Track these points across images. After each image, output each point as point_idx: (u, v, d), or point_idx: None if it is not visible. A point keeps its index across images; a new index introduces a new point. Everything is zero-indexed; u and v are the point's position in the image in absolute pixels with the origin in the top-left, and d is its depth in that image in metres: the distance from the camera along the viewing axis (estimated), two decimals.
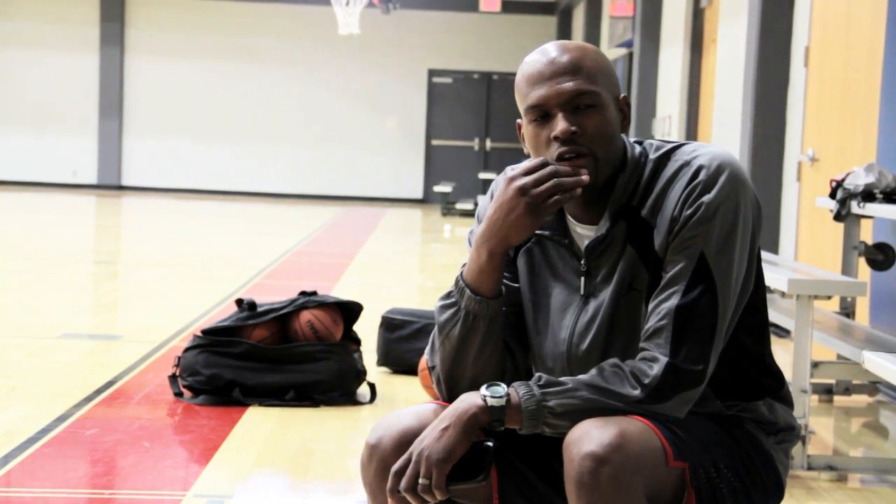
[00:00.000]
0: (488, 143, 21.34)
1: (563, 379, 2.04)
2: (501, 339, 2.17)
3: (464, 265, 2.16)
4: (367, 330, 5.76)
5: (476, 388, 2.09)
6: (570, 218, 2.19)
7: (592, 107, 2.09)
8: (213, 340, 4.91)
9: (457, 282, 2.15)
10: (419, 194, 21.25)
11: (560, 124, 2.08)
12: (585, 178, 2.05)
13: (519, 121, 2.20)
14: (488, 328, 2.13)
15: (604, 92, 2.11)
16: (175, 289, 8.49)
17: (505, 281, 2.21)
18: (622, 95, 2.16)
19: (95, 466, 4.00)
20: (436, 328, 2.19)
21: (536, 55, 2.15)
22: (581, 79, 2.09)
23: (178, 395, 4.90)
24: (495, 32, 21.18)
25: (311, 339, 4.99)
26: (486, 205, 2.27)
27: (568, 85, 2.09)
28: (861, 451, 4.69)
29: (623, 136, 2.17)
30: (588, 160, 2.09)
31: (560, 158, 2.08)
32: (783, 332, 6.57)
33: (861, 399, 5.44)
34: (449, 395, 2.18)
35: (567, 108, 2.09)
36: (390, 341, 5.62)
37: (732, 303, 2.07)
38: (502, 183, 2.10)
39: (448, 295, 2.16)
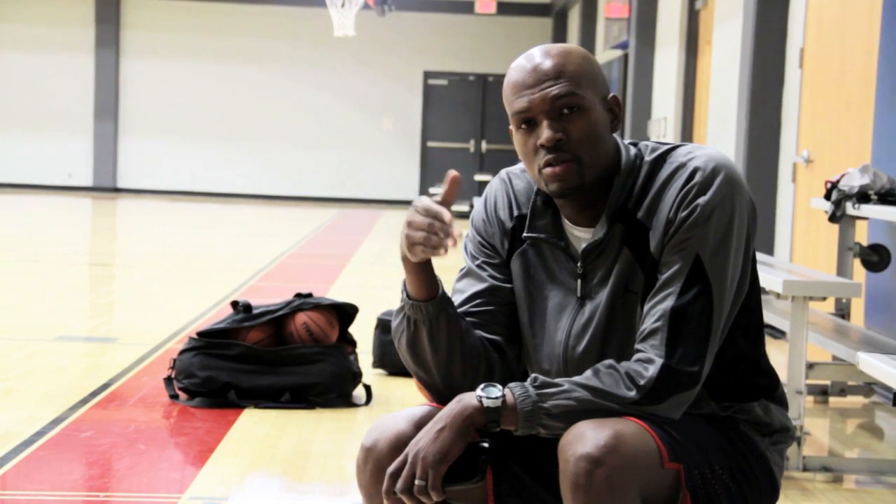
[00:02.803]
0: (484, 145, 21.34)
1: (558, 380, 2.05)
2: (458, 341, 2.14)
3: None
4: (363, 332, 5.76)
5: (451, 389, 2.11)
6: (566, 220, 2.19)
7: (577, 111, 2.09)
8: (209, 343, 4.91)
9: (402, 290, 2.17)
10: (415, 196, 21.23)
11: (545, 133, 2.08)
12: (443, 252, 2.01)
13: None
14: (431, 331, 2.13)
15: (588, 94, 2.10)
16: (170, 291, 8.48)
17: (495, 281, 2.22)
18: (611, 95, 2.16)
19: (91, 469, 4.00)
20: None
21: (521, 61, 2.15)
22: (563, 84, 2.08)
23: (174, 397, 4.90)
24: (491, 34, 21.18)
25: (307, 341, 4.99)
26: (481, 208, 2.28)
27: (550, 91, 2.08)
28: (856, 452, 4.69)
29: (618, 138, 2.17)
30: (573, 165, 2.09)
31: (546, 166, 2.09)
32: (778, 334, 6.57)
33: (856, 400, 5.44)
34: (435, 398, 2.19)
35: (552, 115, 2.09)
36: (386, 343, 5.61)
37: (728, 304, 2.07)
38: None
39: (399, 303, 2.18)
